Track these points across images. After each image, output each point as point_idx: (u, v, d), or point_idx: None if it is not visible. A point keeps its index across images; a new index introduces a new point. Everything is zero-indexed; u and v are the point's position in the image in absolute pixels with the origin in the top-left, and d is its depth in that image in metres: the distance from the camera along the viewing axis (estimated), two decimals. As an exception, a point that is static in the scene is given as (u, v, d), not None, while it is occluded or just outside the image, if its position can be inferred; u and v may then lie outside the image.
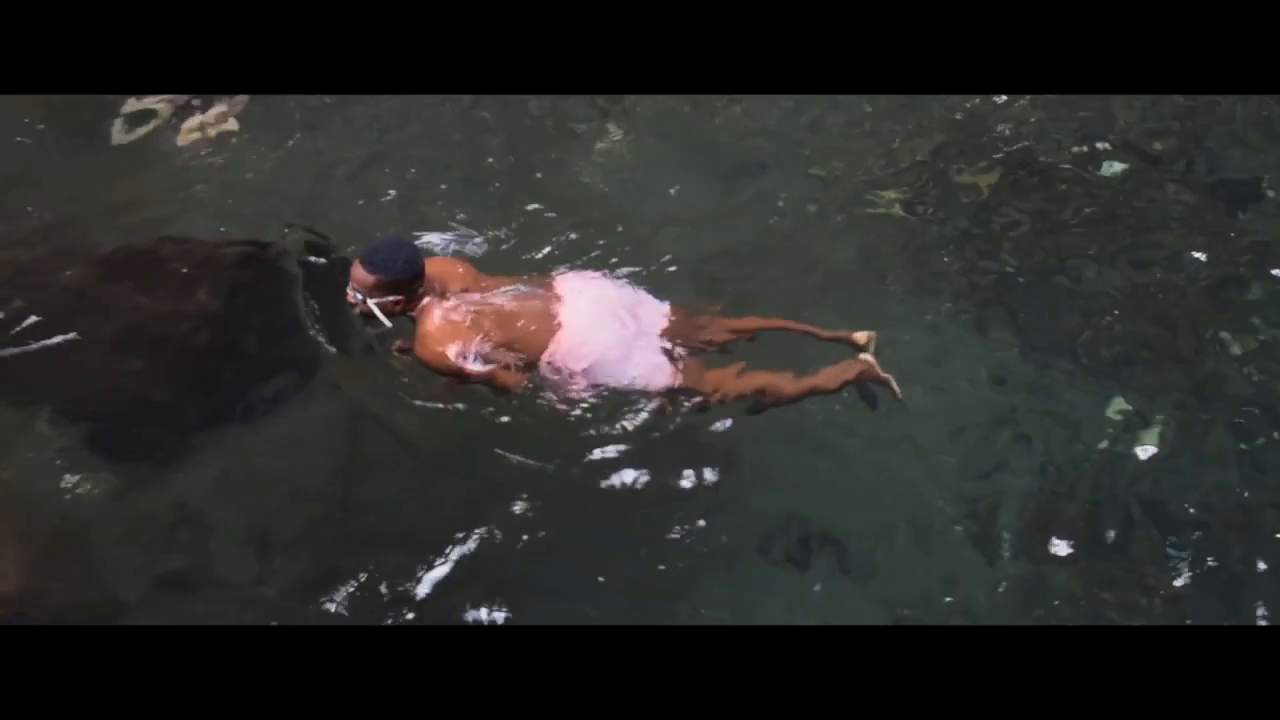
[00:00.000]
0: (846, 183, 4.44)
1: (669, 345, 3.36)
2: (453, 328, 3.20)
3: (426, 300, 3.23)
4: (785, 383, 3.43)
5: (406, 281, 3.18)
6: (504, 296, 3.32)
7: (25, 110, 4.58)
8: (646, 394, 3.33)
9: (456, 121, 4.68)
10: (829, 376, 3.47)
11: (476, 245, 3.92)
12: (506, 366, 3.25)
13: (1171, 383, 3.75)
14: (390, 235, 3.54)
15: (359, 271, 3.16)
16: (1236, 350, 3.84)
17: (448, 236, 3.92)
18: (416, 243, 3.72)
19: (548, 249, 3.91)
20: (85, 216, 4.19)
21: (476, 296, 3.29)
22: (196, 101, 4.69)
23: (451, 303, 3.24)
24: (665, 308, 3.47)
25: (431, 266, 3.30)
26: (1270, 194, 4.36)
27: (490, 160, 4.52)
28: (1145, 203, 4.32)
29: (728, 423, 3.47)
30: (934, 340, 3.89)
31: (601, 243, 4.00)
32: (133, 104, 4.67)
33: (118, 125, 4.64)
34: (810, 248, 4.18)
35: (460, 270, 3.39)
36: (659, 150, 4.58)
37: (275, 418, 3.65)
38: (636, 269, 3.77)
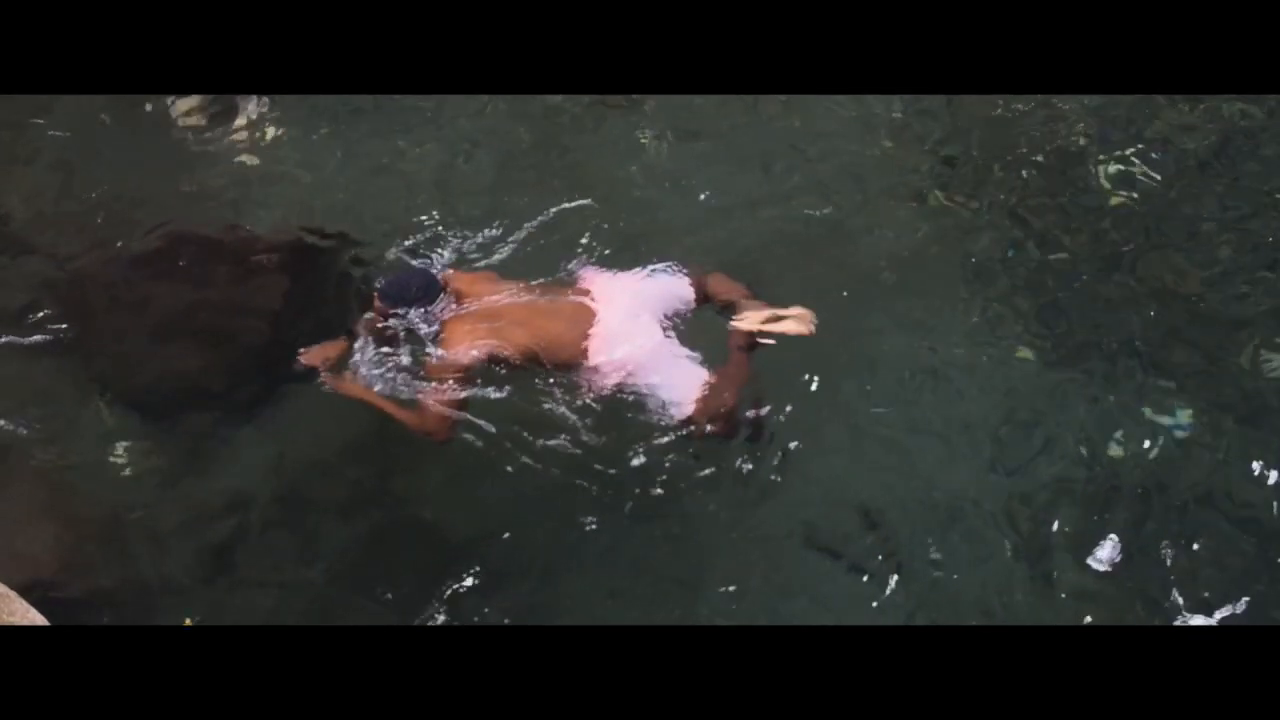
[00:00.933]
0: (883, 180, 4.39)
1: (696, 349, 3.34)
2: (464, 340, 3.23)
3: (447, 315, 3.28)
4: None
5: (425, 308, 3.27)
6: (531, 302, 3.33)
7: (84, 106, 4.69)
8: (673, 405, 3.28)
9: (491, 120, 4.70)
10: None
11: (508, 247, 3.90)
12: (525, 364, 3.26)
13: (1218, 390, 3.67)
14: (403, 267, 3.65)
15: (380, 306, 3.28)
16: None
17: (476, 239, 3.91)
18: (446, 247, 3.78)
19: (581, 246, 3.90)
20: (142, 210, 4.29)
21: (498, 307, 3.30)
22: (245, 100, 4.77)
23: (468, 317, 3.28)
24: (686, 281, 3.46)
25: (455, 282, 3.37)
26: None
27: (523, 159, 4.53)
28: (1191, 206, 4.22)
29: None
30: (971, 341, 3.84)
31: (634, 239, 3.99)
32: (188, 101, 4.76)
33: (175, 121, 4.73)
34: (845, 246, 4.14)
35: (481, 282, 3.41)
36: (694, 146, 4.55)
37: (318, 412, 3.68)
38: (668, 264, 3.72)
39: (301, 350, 3.42)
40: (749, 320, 3.30)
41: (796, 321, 3.26)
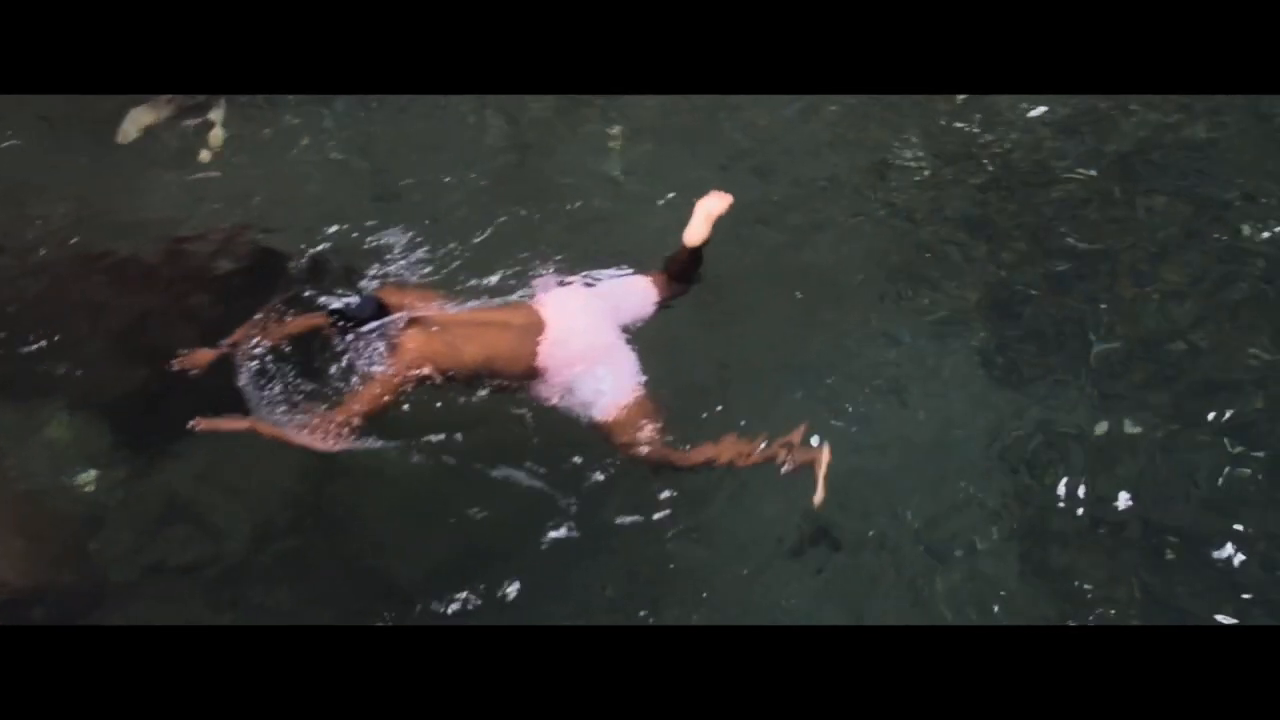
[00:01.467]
0: (844, 185, 4.42)
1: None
2: (413, 356, 3.17)
3: (396, 331, 3.22)
4: (723, 451, 3.29)
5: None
6: (481, 315, 3.30)
7: (32, 113, 4.65)
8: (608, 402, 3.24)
9: (454, 123, 4.70)
10: (760, 451, 3.29)
11: (460, 254, 3.89)
12: (475, 376, 3.23)
13: (1174, 392, 3.71)
14: (351, 285, 3.61)
15: (330, 325, 3.22)
16: (1248, 359, 3.76)
17: (429, 246, 3.89)
18: (396, 255, 3.80)
19: (534, 253, 3.84)
20: (91, 219, 4.27)
21: (447, 320, 3.26)
22: (199, 101, 4.74)
23: (418, 333, 3.21)
24: (645, 281, 3.45)
25: (400, 296, 3.32)
26: (1267, 201, 4.24)
27: (479, 161, 4.52)
28: (1142, 210, 4.26)
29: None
30: (928, 347, 3.88)
31: (589, 245, 3.99)
32: (139, 105, 4.73)
33: (124, 127, 4.69)
34: (806, 251, 4.17)
35: (427, 296, 3.38)
36: (655, 151, 4.57)
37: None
38: (627, 270, 3.69)
39: (179, 354, 3.38)
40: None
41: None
